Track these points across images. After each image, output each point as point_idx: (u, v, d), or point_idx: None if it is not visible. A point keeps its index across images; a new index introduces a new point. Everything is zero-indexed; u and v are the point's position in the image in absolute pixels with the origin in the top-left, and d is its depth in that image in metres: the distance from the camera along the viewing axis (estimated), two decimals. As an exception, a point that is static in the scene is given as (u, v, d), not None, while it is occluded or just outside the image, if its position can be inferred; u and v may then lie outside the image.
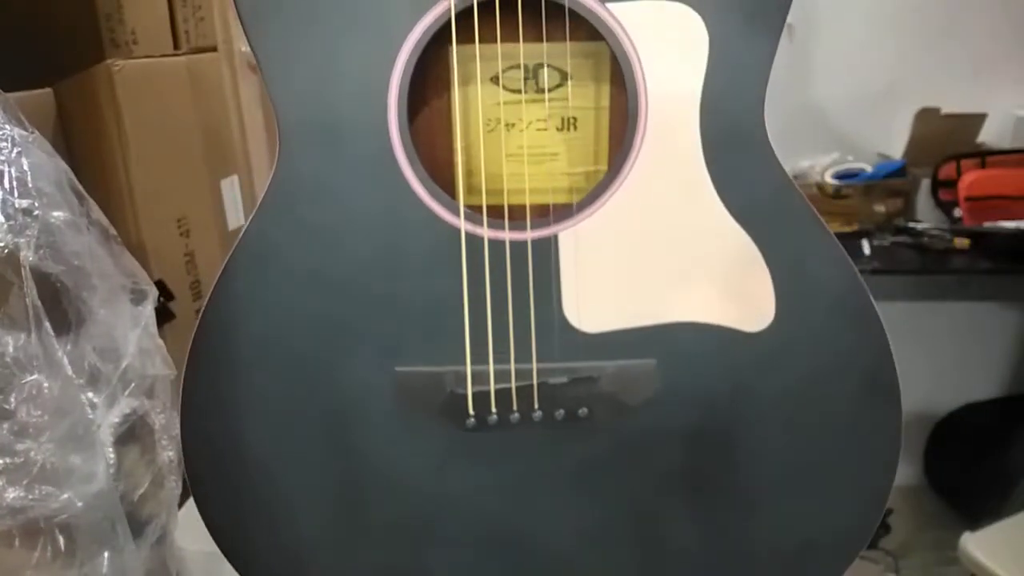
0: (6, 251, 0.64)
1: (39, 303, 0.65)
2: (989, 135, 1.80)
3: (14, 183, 0.67)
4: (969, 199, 1.75)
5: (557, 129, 0.67)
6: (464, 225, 0.62)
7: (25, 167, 0.68)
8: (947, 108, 1.77)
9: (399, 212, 0.62)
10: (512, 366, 0.65)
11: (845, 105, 1.84)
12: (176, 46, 1.10)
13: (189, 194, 1.07)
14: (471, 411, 0.66)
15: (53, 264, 0.66)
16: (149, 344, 0.73)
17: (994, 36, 1.77)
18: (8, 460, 0.64)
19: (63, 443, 0.66)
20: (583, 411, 0.66)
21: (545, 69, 0.65)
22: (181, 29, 1.11)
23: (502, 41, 0.61)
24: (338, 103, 0.61)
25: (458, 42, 0.60)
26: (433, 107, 0.65)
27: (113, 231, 0.73)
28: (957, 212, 1.78)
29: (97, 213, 0.71)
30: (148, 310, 0.73)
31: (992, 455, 1.86)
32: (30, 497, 0.65)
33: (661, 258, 0.64)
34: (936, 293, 1.97)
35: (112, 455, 0.71)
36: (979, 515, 1.46)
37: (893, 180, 1.79)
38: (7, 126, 0.67)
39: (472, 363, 0.65)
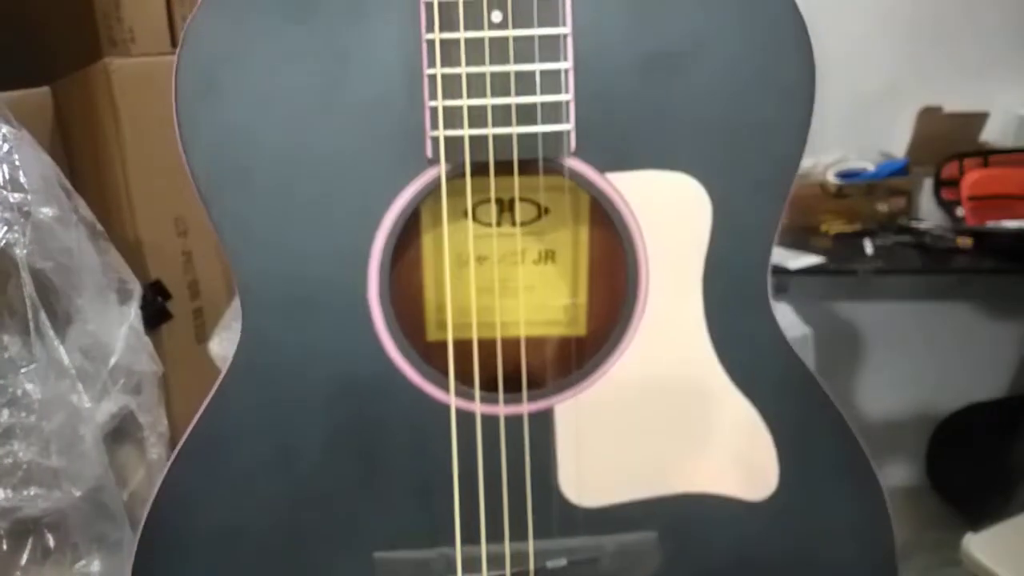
0: (1, 244, 0.64)
1: (36, 296, 0.65)
2: (992, 134, 1.79)
3: (6, 179, 0.67)
4: (972, 198, 1.75)
5: (534, 262, 0.65)
6: (455, 401, 0.59)
7: (16, 163, 0.68)
8: (950, 107, 1.76)
9: (380, 388, 0.59)
10: (507, 547, 0.61)
11: (847, 104, 1.82)
12: (174, 44, 1.09)
13: (187, 193, 1.06)
14: None
15: (42, 260, 0.65)
16: (135, 341, 0.72)
17: (997, 35, 1.76)
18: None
19: (52, 443, 0.66)
20: None
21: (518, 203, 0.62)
22: (179, 27, 1.11)
23: (480, 176, 0.57)
24: (312, 278, 0.57)
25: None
26: (407, 258, 0.63)
27: (100, 228, 0.72)
28: (960, 211, 1.77)
29: (85, 210, 0.71)
30: (133, 308, 0.73)
31: (995, 456, 1.85)
32: (18, 498, 0.65)
33: (661, 428, 0.61)
34: (939, 293, 1.96)
35: (102, 453, 0.70)
36: (981, 516, 1.45)
37: (895, 179, 1.78)
38: (-4, 123, 0.67)
39: (462, 545, 0.61)
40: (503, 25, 0.51)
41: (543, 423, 0.60)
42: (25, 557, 0.67)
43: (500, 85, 0.53)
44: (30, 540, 0.68)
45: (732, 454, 0.62)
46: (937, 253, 1.67)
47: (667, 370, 0.60)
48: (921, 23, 1.77)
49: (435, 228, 0.62)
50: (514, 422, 0.60)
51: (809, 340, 1.55)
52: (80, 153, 0.97)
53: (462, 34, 0.51)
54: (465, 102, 0.53)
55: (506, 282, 0.64)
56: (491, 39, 0.52)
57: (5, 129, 0.68)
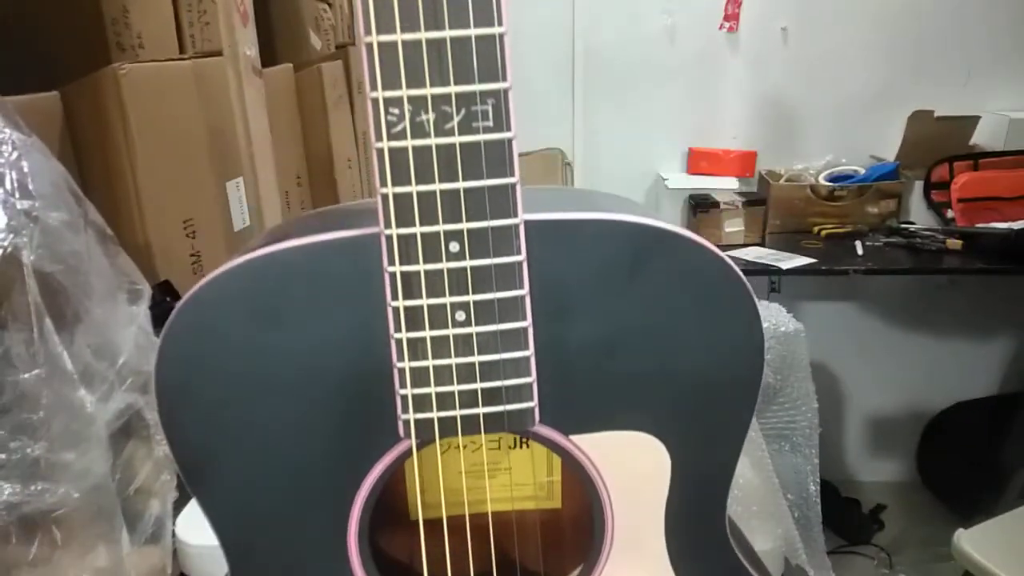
0: (9, 250, 0.65)
1: (40, 301, 0.66)
2: (982, 137, 1.81)
3: (15, 185, 0.68)
4: (962, 200, 1.77)
5: (510, 447, 0.69)
6: None
7: (25, 169, 0.69)
8: (940, 111, 1.79)
9: None
10: None
11: (838, 108, 1.85)
12: (182, 50, 1.10)
13: (195, 196, 1.07)
14: None
15: (51, 264, 0.67)
16: (144, 341, 0.74)
17: (987, 40, 1.78)
18: (3, 457, 0.65)
19: (59, 439, 0.67)
20: None
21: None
22: (186, 33, 1.12)
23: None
24: (294, 549, 0.60)
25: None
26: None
27: (110, 232, 0.74)
28: (950, 213, 1.80)
29: (94, 214, 0.72)
30: (143, 308, 0.74)
31: (983, 453, 1.87)
32: (26, 493, 0.66)
33: None
34: (928, 293, 1.98)
35: (109, 449, 0.72)
36: (971, 512, 1.47)
37: (886, 182, 1.80)
38: (7, 129, 0.68)
39: None
40: (467, 323, 0.55)
41: None
42: (34, 551, 0.68)
43: (466, 373, 0.56)
44: (39, 534, 0.69)
45: None
46: (927, 254, 1.69)
47: None
48: (912, 28, 1.79)
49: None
50: None
51: (802, 334, 1.56)
52: (90, 156, 0.98)
53: (428, 333, 0.54)
54: (433, 390, 0.56)
55: (490, 465, 0.68)
56: (456, 335, 0.55)
57: (15, 136, 0.69)
